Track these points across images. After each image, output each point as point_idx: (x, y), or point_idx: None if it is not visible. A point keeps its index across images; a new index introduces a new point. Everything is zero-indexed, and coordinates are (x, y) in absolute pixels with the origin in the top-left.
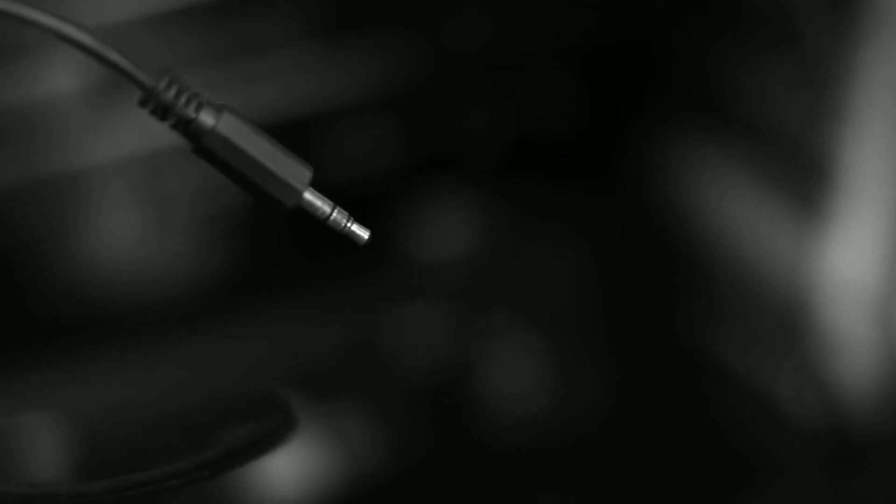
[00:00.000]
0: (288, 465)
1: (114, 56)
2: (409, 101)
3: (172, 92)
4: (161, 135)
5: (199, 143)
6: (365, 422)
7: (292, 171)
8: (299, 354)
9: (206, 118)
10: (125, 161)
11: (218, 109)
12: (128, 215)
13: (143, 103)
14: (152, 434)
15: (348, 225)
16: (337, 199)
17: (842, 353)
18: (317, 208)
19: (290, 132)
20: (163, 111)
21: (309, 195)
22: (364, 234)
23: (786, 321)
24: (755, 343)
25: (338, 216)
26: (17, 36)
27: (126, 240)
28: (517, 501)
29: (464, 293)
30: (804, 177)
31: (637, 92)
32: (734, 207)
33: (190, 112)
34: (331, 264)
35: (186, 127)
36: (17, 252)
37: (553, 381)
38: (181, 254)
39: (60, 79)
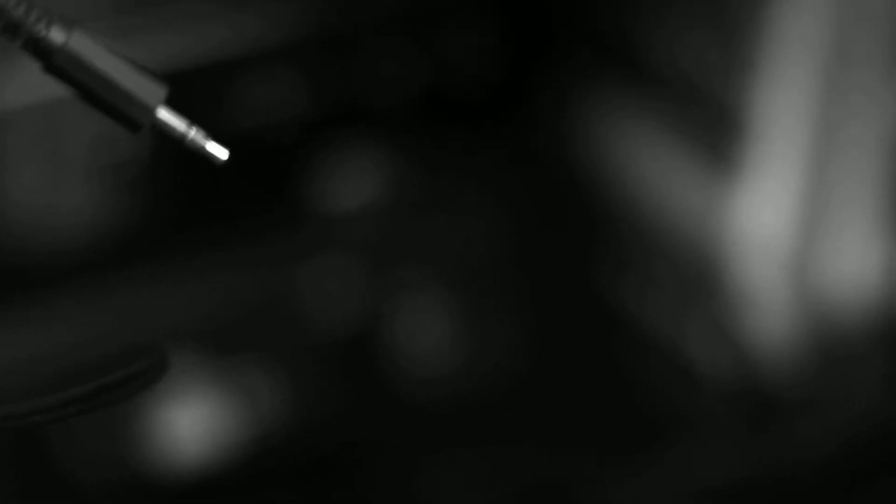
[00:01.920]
0: (192, 422)
1: None
2: (319, 51)
3: (21, 9)
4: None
5: (50, 61)
6: (272, 378)
7: (145, 89)
8: (205, 309)
9: (57, 35)
10: (22, 109)
11: (69, 27)
12: (25, 165)
13: None
14: (44, 389)
15: (205, 146)
16: (246, 150)
17: (754, 310)
18: (171, 128)
19: (198, 80)
20: (13, 30)
21: (162, 113)
22: (222, 154)
23: (697, 276)
24: (666, 298)
25: (195, 136)
26: None
27: (24, 190)
28: (428, 460)
29: (374, 247)
30: (716, 129)
31: (549, 43)
32: (646, 160)
33: (40, 30)
34: (239, 217)
35: (36, 45)
36: None
37: (464, 336)
38: (82, 205)
39: None
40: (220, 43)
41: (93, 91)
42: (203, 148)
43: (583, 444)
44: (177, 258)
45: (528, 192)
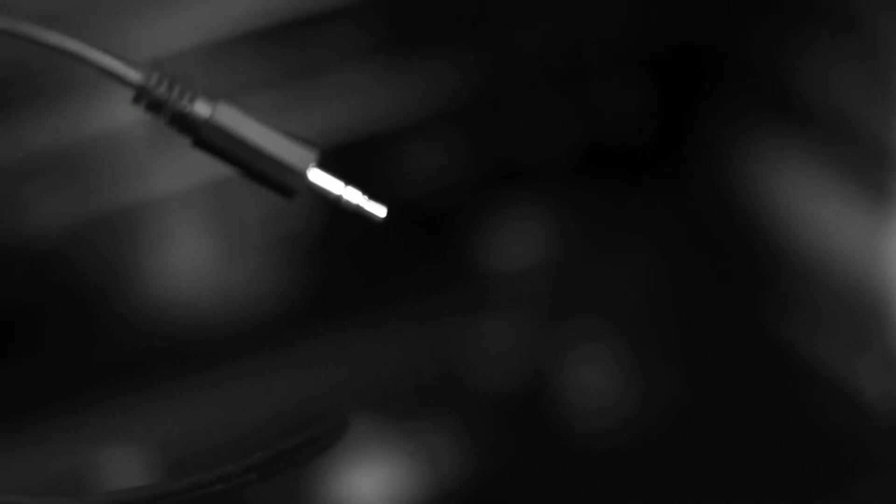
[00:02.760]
0: (373, 485)
1: (97, 55)
2: (477, 111)
3: (164, 86)
4: None
5: (197, 136)
6: (448, 438)
7: (295, 154)
8: (379, 371)
9: (202, 109)
10: (193, 190)
11: (213, 99)
12: (198, 244)
13: (135, 100)
14: (225, 458)
15: (362, 204)
16: (410, 214)
17: None
18: (325, 190)
19: (358, 149)
20: (157, 107)
21: (314, 177)
22: (380, 212)
23: (865, 312)
24: (834, 334)
25: (350, 196)
26: (75, 71)
27: (198, 269)
28: None
29: (542, 302)
30: (874, 163)
31: (703, 87)
32: (806, 197)
33: (184, 105)
34: (408, 281)
35: (182, 121)
36: (92, 288)
37: (634, 384)
38: (253, 279)
39: (121, 111)
40: (376, 111)
41: (243, 161)
42: (360, 207)
43: (760, 487)
44: (347, 322)
45: (691, 236)
